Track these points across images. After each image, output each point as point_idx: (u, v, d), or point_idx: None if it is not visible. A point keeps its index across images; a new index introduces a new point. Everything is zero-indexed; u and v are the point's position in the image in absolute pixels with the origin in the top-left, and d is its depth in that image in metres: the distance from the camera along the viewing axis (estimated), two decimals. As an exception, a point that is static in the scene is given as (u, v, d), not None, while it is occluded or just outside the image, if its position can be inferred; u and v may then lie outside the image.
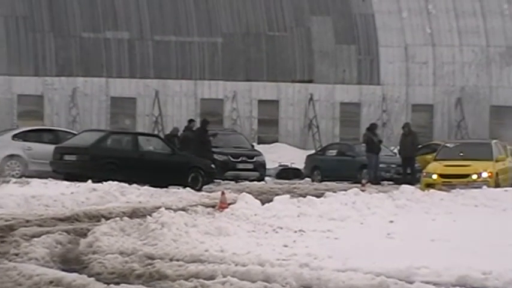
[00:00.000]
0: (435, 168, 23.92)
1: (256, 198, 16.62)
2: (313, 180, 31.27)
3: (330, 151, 33.09)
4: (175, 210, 14.81)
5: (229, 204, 16.09)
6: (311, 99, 42.12)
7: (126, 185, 20.79)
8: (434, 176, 23.54)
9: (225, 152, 29.65)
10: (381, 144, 30.69)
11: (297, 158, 35.39)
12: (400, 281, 9.07)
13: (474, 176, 23.28)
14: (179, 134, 29.82)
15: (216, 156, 28.37)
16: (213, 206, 16.81)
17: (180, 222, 13.27)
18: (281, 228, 13.79)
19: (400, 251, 11.04)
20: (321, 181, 30.57)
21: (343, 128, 42.33)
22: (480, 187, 21.00)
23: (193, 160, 25.58)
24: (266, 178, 30.53)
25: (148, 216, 13.72)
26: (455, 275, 9.31)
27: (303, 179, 32.29)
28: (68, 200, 18.08)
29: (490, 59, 43.62)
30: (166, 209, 14.60)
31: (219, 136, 30.85)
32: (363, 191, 19.24)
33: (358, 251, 11.04)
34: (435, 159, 24.83)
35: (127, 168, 23.60)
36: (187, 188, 23.14)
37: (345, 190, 18.84)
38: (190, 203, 19.05)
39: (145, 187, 21.46)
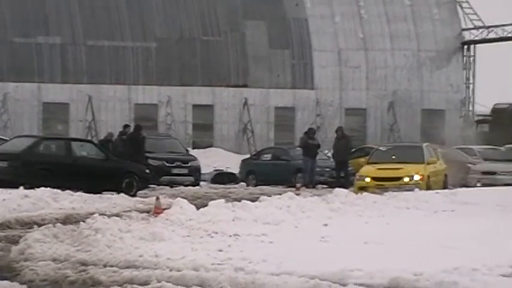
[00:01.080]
0: (368, 172, 24.14)
1: (191, 203, 16.58)
2: (248, 185, 31.31)
3: (265, 155, 33.19)
4: (109, 216, 14.71)
5: (164, 209, 16.03)
6: (246, 103, 42.20)
7: (59, 191, 20.57)
8: (367, 179, 23.75)
9: (159, 157, 29.53)
10: (319, 148, 30.90)
11: (231, 163, 35.43)
12: (334, 284, 9.13)
13: (406, 179, 23.52)
14: (113, 139, 29.62)
15: (150, 161, 28.25)
16: (148, 212, 16.73)
17: (114, 228, 13.18)
18: (216, 232, 13.79)
19: (334, 254, 11.12)
20: (255, 185, 30.62)
21: (277, 132, 42.50)
22: (412, 190, 21.26)
23: (127, 165, 25.43)
24: (201, 183, 30.48)
25: (81, 223, 13.60)
26: (388, 277, 9.41)
27: (238, 183, 32.30)
28: (-1, 207, 17.81)
29: (421, 63, 44.24)
30: (100, 215, 14.49)
31: (153, 141, 30.71)
32: (297, 194, 19.32)
33: (293, 254, 11.09)
34: (368, 163, 25.05)
35: (60, 174, 23.34)
36: (122, 194, 22.97)
37: (280, 194, 18.90)
38: (124, 208, 18.92)
39: (79, 193, 21.24)
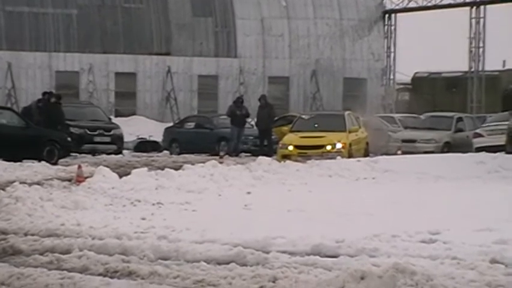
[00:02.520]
0: (291, 140, 24.19)
1: (113, 171, 16.49)
2: (171, 153, 31.21)
3: (188, 124, 33.07)
4: (30, 185, 14.54)
5: (86, 177, 15.92)
6: (169, 71, 41.96)
7: (-22, 159, 20.23)
8: (290, 147, 23.79)
9: (81, 125, 29.19)
10: (247, 117, 30.89)
11: (155, 131, 35.24)
12: (257, 251, 9.19)
13: (328, 147, 23.62)
14: (33, 106, 29.15)
15: (72, 129, 27.91)
16: (70, 180, 16.58)
17: (35, 196, 13.05)
18: (139, 201, 13.75)
19: (257, 222, 11.18)
20: (179, 154, 30.54)
21: (201, 100, 42.40)
22: (334, 158, 21.44)
23: (48, 133, 25.10)
24: (124, 151, 30.26)
25: (1, 191, 13.42)
26: (310, 244, 9.51)
27: (161, 151, 32.18)
28: None
29: (343, 32, 44.53)
30: (20, 183, 14.32)
31: (75, 109, 30.34)
32: (220, 163, 19.36)
33: (216, 222, 11.12)
34: (291, 131, 25.08)
35: (-21, 142, 22.94)
36: (43, 162, 22.70)
37: (203, 162, 18.91)
38: (45, 176, 18.71)
39: (-1, 161, 20.94)
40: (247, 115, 30.84)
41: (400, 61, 46.23)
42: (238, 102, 31.11)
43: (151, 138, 34.15)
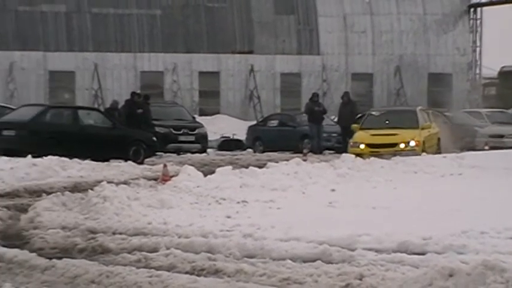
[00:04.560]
0: (362, 138, 23.27)
1: (198, 170, 16.61)
2: (255, 151, 31.32)
3: (271, 122, 33.14)
4: (117, 184, 14.74)
5: (172, 176, 16.06)
6: (252, 70, 42.11)
7: (66, 159, 20.59)
8: (362, 146, 22.90)
9: (166, 124, 29.53)
10: (324, 114, 30.79)
11: (238, 129, 35.41)
12: (343, 249, 9.14)
13: (402, 145, 22.75)
14: (119, 107, 29.60)
15: (157, 129, 28.26)
16: (155, 179, 16.76)
17: (122, 195, 13.21)
18: (224, 199, 13.81)
19: (342, 220, 11.13)
20: (262, 152, 30.63)
21: (284, 98, 42.44)
22: (408, 156, 20.73)
23: (134, 133, 25.45)
24: (208, 150, 30.51)
25: (90, 190, 13.63)
26: (396, 241, 9.42)
27: (244, 150, 32.32)
28: (7, 176, 17.85)
29: (427, 27, 44.03)
30: (108, 182, 14.51)
31: (160, 109, 30.72)
32: (304, 160, 19.34)
33: (301, 220, 11.10)
34: (361, 128, 24.08)
35: (67, 143, 23.36)
36: (129, 162, 23.01)
37: (287, 160, 18.91)
38: (132, 176, 18.96)
39: (87, 161, 21.30)
40: (325, 111, 30.77)
41: (486, 55, 45.54)
42: (315, 98, 31.07)
43: (235, 137, 34.33)
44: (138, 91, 33.38)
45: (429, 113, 26.01)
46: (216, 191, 14.55)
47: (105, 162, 22.07)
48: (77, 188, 16.53)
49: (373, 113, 25.28)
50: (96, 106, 37.24)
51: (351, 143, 23.63)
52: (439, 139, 24.87)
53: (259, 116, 39.63)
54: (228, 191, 14.57)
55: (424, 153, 21.91)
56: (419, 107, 26.28)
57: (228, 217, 11.84)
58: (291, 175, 16.71)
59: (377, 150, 22.11)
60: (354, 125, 24.94)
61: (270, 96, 42.45)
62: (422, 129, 23.66)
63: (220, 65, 42.01)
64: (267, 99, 42.24)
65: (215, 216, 11.91)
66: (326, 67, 42.76)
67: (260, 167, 17.66)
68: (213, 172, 16.41)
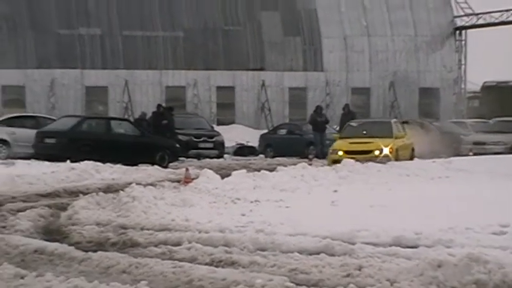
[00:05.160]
0: (341, 146, 22.71)
1: (216, 173, 16.60)
2: (266, 157, 31.31)
3: (281, 130, 33.14)
4: (145, 185, 14.74)
5: (193, 179, 16.05)
6: (263, 85, 42.11)
7: (100, 164, 20.64)
8: (340, 153, 22.28)
9: (188, 133, 29.58)
10: (327, 124, 30.77)
11: (251, 137, 35.40)
12: (344, 243, 9.11)
13: (376, 152, 22.17)
14: (147, 117, 29.66)
15: (180, 137, 28.30)
16: (178, 181, 16.76)
17: (149, 195, 13.21)
18: (239, 199, 13.79)
19: (343, 217, 11.09)
20: (273, 157, 30.60)
21: (291, 109, 42.41)
22: (384, 162, 20.32)
23: (160, 141, 25.51)
24: (225, 155, 30.51)
25: (121, 191, 13.64)
26: (392, 236, 9.38)
27: (257, 155, 32.32)
28: (49, 178, 17.90)
29: (417, 46, 43.96)
30: (137, 184, 14.52)
31: (182, 119, 30.75)
32: (309, 165, 19.29)
33: (307, 217, 11.07)
34: (340, 137, 23.55)
35: (101, 149, 23.43)
36: (155, 166, 23.03)
37: (294, 164, 18.87)
38: (158, 178, 18.97)
39: (118, 165, 21.32)
40: (327, 121, 30.79)
41: (470, 72, 45.47)
42: (318, 110, 31.12)
43: (249, 144, 34.32)
44: (163, 104, 33.47)
45: (404, 125, 25.36)
46: (232, 192, 14.53)
47: (134, 167, 22.10)
48: (109, 189, 16.55)
49: (352, 124, 24.59)
50: (126, 117, 37.29)
51: (330, 151, 23.00)
52: (413, 149, 24.07)
53: (270, 126, 39.61)
54: (243, 192, 14.55)
55: (396, 161, 21.27)
56: (394, 119, 25.69)
57: (243, 215, 11.82)
58: (298, 178, 16.68)
59: (353, 156, 21.27)
60: (335, 135, 24.38)
61: (280, 108, 42.43)
62: (396, 138, 23.02)
63: (235, 80, 42.02)
64: (277, 110, 42.21)
65: (231, 214, 11.89)
66: (329, 82, 42.71)
67: (271, 170, 17.64)
68: (229, 175, 16.39)
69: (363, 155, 21.45)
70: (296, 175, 16.90)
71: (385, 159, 21.12)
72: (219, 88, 41.89)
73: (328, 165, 20.45)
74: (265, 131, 36.28)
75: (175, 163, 25.34)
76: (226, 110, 42.07)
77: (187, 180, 15.95)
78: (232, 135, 36.33)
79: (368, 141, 22.61)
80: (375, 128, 23.62)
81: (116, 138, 24.43)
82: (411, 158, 23.30)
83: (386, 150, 22.23)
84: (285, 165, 19.14)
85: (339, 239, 9.31)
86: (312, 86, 42.68)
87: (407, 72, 43.61)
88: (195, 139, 29.50)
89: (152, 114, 29.08)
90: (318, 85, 42.67)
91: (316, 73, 42.81)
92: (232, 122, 41.33)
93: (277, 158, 29.33)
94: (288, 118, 41.37)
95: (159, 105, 30.04)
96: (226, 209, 12.71)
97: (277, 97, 42.44)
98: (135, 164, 22.87)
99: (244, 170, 17.22)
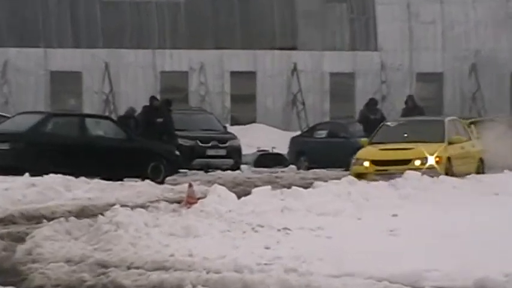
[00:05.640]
0: (367, 154, 22.32)
1: (230, 190, 16.66)
2: (299, 168, 31.40)
3: (319, 132, 33.20)
4: (132, 208, 14.83)
5: (199, 198, 16.13)
6: (294, 69, 42.21)
7: (72, 178, 20.77)
8: (366, 163, 21.89)
9: (191, 135, 29.70)
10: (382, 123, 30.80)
11: (278, 142, 35.49)
12: (406, 287, 9.15)
13: (417, 162, 21.75)
14: (136, 114, 29.77)
15: (181, 141, 28.41)
16: (179, 202, 16.84)
17: (139, 221, 13.30)
18: (261, 226, 13.86)
19: (406, 251, 11.13)
20: (308, 168, 30.68)
21: (334, 103, 42.48)
22: (431, 176, 19.86)
23: (153, 146, 25.60)
24: (242, 166, 30.62)
25: (100, 216, 13.74)
26: (472, 278, 9.41)
27: (286, 166, 32.41)
28: (0, 198, 18.02)
29: (510, 16, 43.87)
30: (121, 206, 14.61)
31: (184, 116, 30.87)
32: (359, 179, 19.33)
33: (355, 252, 11.11)
34: (370, 143, 23.10)
35: (72, 158, 23.58)
36: (147, 180, 23.16)
37: (338, 179, 18.91)
38: (150, 198, 19.07)
39: (96, 180, 21.45)
40: (383, 119, 30.74)
41: None
42: (371, 104, 31.08)
43: (275, 151, 34.42)
44: (158, 96, 33.62)
45: (471, 126, 24.81)
46: (252, 217, 14.60)
47: (118, 182, 22.22)
48: (84, 212, 16.65)
49: (388, 124, 24.35)
50: (107, 114, 37.50)
51: (354, 160, 22.66)
52: (481, 159, 23.43)
53: (304, 126, 39.68)
54: (267, 216, 14.61)
55: (448, 175, 20.80)
56: (451, 118, 24.67)
57: (267, 248, 11.88)
58: (343, 197, 16.73)
59: (384, 168, 21.24)
60: (363, 139, 24.09)
61: (317, 101, 42.51)
62: (450, 143, 22.63)
63: (256, 63, 42.16)
64: (314, 104, 42.30)
65: (251, 247, 11.95)
66: (385, 65, 42.75)
67: (305, 187, 17.69)
68: (248, 193, 16.46)
69: (397, 166, 21.14)
70: (340, 193, 16.96)
71: (431, 172, 20.64)
72: (234, 74, 42.05)
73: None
74: (298, 132, 36.36)
75: (175, 177, 25.45)
76: (244, 104, 42.23)
77: (190, 200, 16.03)
78: (253, 138, 36.43)
79: (406, 147, 22.28)
80: (420, 130, 23.31)
81: (92, 143, 24.59)
82: (477, 172, 22.73)
83: (431, 160, 21.84)
84: (325, 180, 19.17)
85: (400, 281, 9.36)
86: (362, 71, 42.75)
87: (495, 51, 43.58)
88: (201, 144, 29.64)
89: (143, 110, 29.23)
90: (370, 70, 42.74)
91: (368, 53, 42.88)
92: (253, 121, 41.48)
93: (314, 170, 29.42)
94: (328, 115, 41.45)
95: (152, 98, 30.18)
96: (245, 239, 12.77)
97: (314, 86, 42.55)
98: (120, 179, 22.99)
99: (268, 187, 17.29)
